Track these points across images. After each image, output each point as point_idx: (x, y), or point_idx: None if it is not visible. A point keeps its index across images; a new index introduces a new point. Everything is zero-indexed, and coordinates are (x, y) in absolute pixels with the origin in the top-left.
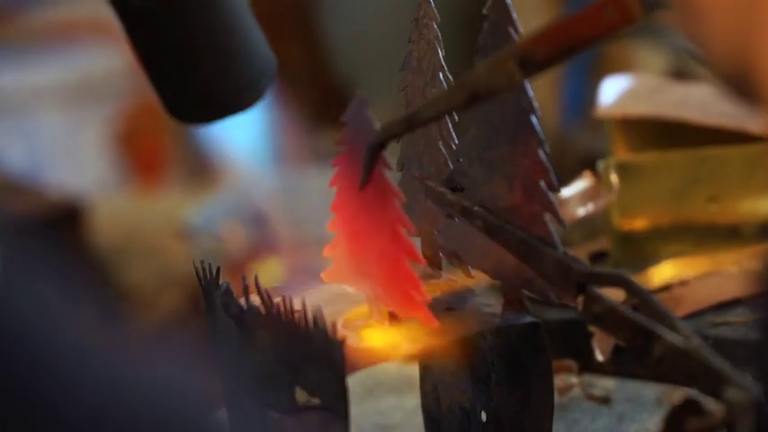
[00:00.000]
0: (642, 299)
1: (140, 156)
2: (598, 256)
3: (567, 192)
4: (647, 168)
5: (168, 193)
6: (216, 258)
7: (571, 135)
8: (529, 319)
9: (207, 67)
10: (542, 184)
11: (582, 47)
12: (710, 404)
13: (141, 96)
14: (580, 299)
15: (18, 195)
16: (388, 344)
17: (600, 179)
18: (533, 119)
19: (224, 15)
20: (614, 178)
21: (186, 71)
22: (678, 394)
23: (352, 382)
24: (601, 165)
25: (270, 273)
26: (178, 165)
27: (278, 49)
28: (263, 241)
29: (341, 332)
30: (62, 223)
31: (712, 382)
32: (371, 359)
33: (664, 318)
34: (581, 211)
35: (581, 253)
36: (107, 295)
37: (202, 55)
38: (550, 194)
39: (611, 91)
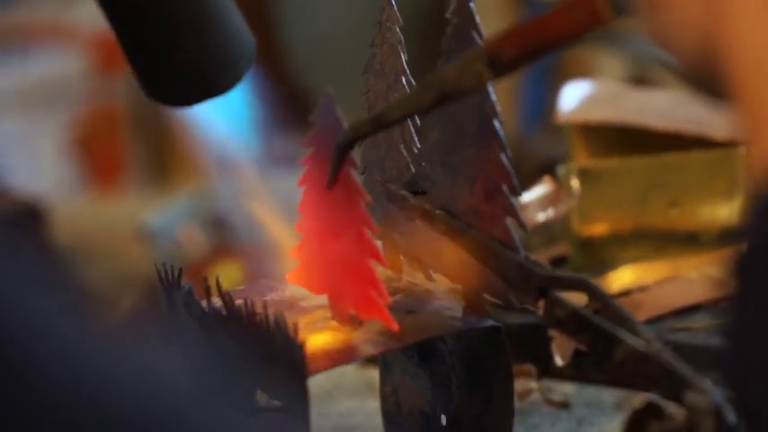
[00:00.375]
0: (604, 303)
1: (98, 160)
2: (558, 262)
3: (527, 196)
4: (608, 174)
5: (127, 196)
6: (174, 261)
7: (529, 140)
8: (490, 322)
9: (183, 48)
10: (504, 187)
11: (550, 48)
12: (672, 408)
13: (99, 101)
14: (541, 303)
15: None
16: (348, 346)
17: (560, 184)
18: (496, 123)
19: None
20: (575, 183)
21: (163, 51)
22: (639, 398)
23: (312, 384)
24: (561, 170)
25: (229, 276)
26: (136, 168)
27: None
28: (221, 245)
29: (301, 334)
30: (24, 221)
31: (674, 387)
32: (332, 361)
33: (625, 322)
34: (541, 216)
35: (541, 258)
36: (67, 293)
37: (179, 35)
38: (512, 198)
39: (572, 96)
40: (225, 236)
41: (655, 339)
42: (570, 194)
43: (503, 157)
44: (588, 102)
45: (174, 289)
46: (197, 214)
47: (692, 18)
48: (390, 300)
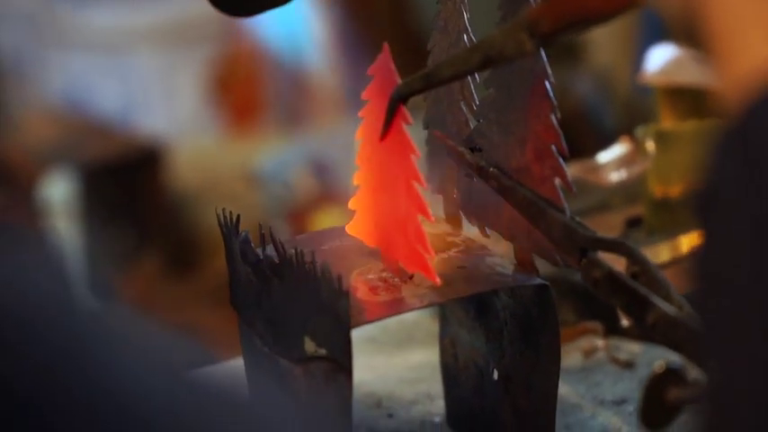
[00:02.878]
0: (642, 267)
1: (233, 100)
2: (635, 222)
3: (604, 156)
4: (683, 136)
5: (256, 138)
6: (283, 205)
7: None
8: (538, 281)
9: None
10: (553, 148)
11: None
12: (693, 374)
13: (237, 41)
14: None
15: (101, 137)
16: (394, 299)
17: (637, 145)
18: (547, 84)
19: None
20: (650, 145)
21: None
22: (659, 363)
23: (385, 333)
24: (639, 131)
25: (332, 221)
26: (270, 112)
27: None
28: (327, 190)
29: (347, 285)
30: (141, 167)
31: (700, 353)
32: (377, 314)
33: (660, 287)
34: (615, 176)
35: (619, 217)
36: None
37: None
38: (560, 159)
39: (658, 58)
40: (329, 182)
41: (686, 305)
42: (646, 156)
43: (552, 118)
44: (673, 64)
45: (232, 236)
46: (306, 159)
47: None
48: (434, 254)
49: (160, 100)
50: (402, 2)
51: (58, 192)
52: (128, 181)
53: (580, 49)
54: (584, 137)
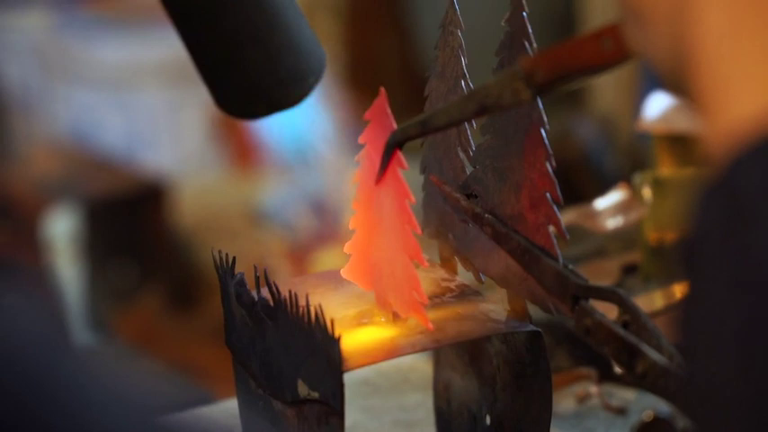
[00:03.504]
0: (633, 316)
1: (237, 138)
2: (631, 268)
3: (601, 202)
4: (680, 183)
5: (257, 177)
6: (284, 244)
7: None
8: (531, 327)
9: (249, 63)
10: (548, 196)
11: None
12: (682, 424)
13: None
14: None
15: (106, 172)
16: (388, 343)
17: (634, 192)
18: (542, 132)
19: (267, 9)
20: (647, 192)
21: (229, 66)
22: (647, 412)
23: (380, 376)
24: (636, 178)
25: (332, 261)
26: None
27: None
28: (327, 230)
29: (339, 330)
30: (145, 202)
31: (686, 403)
32: (370, 358)
33: (651, 336)
34: (611, 223)
35: (615, 264)
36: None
37: (244, 50)
38: (555, 207)
39: (656, 105)
40: (331, 221)
41: (677, 355)
42: (643, 203)
43: (547, 165)
44: (670, 111)
45: (227, 277)
46: (307, 199)
47: (664, 34)
48: (428, 300)
49: (165, 136)
50: (407, 44)
51: (61, 226)
52: (131, 216)
53: (582, 93)
54: (585, 181)
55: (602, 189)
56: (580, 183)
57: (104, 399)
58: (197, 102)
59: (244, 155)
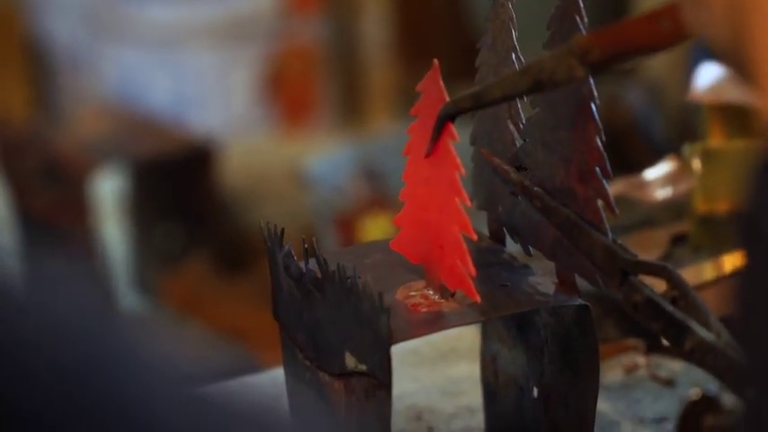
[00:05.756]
0: (682, 292)
1: (287, 98)
2: (680, 238)
3: (650, 173)
4: (731, 155)
5: (308, 137)
6: (332, 209)
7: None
8: (579, 301)
9: None
10: (597, 170)
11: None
12: (729, 402)
13: (292, 38)
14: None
15: (154, 133)
16: (435, 316)
17: (684, 163)
18: (593, 106)
19: None
20: (696, 163)
21: None
22: (695, 390)
23: (429, 345)
24: (686, 149)
25: (380, 228)
26: (324, 110)
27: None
28: (376, 196)
29: (388, 301)
30: (193, 164)
31: (737, 381)
32: (417, 331)
33: (699, 312)
34: (661, 194)
35: (664, 234)
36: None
37: None
38: (604, 181)
39: (706, 75)
40: (380, 188)
41: (725, 332)
42: (693, 174)
43: (597, 140)
44: (721, 82)
45: (276, 249)
46: (358, 163)
47: (724, 16)
48: (474, 272)
49: (213, 97)
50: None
51: (108, 188)
52: (179, 178)
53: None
54: (633, 149)
55: (650, 157)
56: (628, 150)
57: (148, 366)
58: (245, 62)
59: (293, 116)
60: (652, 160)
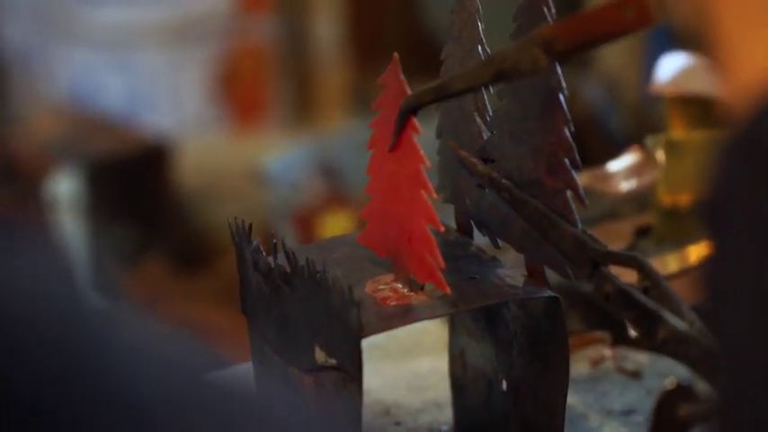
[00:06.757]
0: (653, 281)
1: (238, 97)
2: (644, 231)
3: (614, 165)
4: (694, 145)
5: (260, 137)
6: (289, 206)
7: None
8: (548, 293)
9: None
10: (566, 161)
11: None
12: (704, 391)
13: (244, 37)
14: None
15: (107, 133)
16: (404, 309)
17: (648, 155)
18: (561, 97)
19: None
20: (660, 154)
21: None
22: (670, 379)
23: (393, 340)
24: (649, 141)
25: (339, 225)
26: (275, 109)
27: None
28: (334, 193)
29: (357, 295)
30: (147, 163)
31: (711, 370)
32: (387, 324)
33: (671, 302)
34: (625, 186)
35: (628, 226)
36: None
37: None
38: (573, 172)
39: (668, 67)
40: (338, 185)
41: (697, 321)
42: (656, 165)
43: (566, 130)
44: (683, 73)
45: (243, 244)
46: (314, 160)
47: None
48: (444, 264)
49: (166, 96)
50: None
51: (64, 188)
52: (133, 177)
53: (588, 53)
54: (591, 142)
55: (608, 150)
56: (585, 143)
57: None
58: (198, 62)
59: (246, 115)
60: (610, 153)
